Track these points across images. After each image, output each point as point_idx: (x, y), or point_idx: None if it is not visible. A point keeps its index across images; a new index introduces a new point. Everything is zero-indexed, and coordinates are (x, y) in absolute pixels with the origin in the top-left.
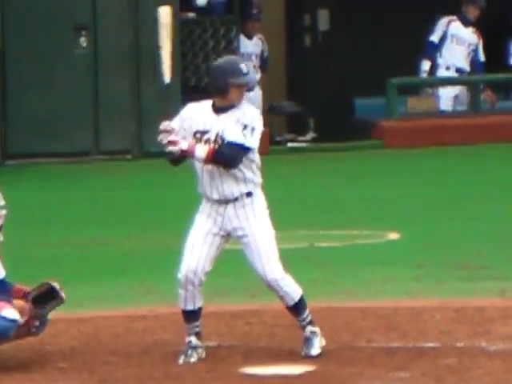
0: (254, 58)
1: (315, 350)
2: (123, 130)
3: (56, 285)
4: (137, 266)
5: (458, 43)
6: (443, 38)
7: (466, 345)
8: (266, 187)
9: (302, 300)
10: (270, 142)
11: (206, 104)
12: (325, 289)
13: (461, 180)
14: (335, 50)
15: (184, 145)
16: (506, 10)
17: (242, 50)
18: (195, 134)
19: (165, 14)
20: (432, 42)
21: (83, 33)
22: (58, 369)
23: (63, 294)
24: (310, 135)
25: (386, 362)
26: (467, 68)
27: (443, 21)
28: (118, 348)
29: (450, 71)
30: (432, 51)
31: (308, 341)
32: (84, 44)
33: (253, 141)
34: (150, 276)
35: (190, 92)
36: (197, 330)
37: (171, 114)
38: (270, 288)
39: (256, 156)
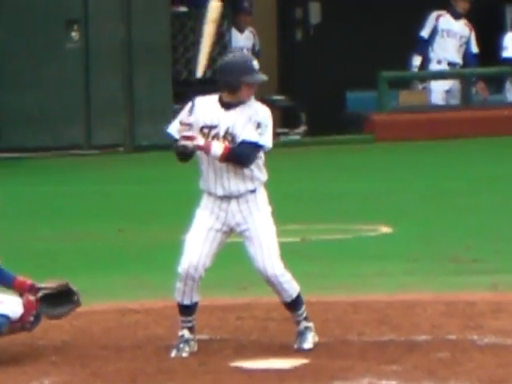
0: (245, 51)
1: (308, 344)
2: (115, 124)
3: (74, 288)
4: (129, 260)
5: (448, 36)
6: (433, 33)
7: (458, 338)
8: None
9: (299, 297)
10: None
11: (213, 98)
12: (317, 283)
13: (452, 174)
14: (327, 44)
15: (200, 141)
16: (498, 3)
17: (234, 43)
18: (202, 128)
19: (214, 8)
20: (422, 38)
21: (75, 27)
22: (49, 362)
23: (80, 299)
24: (302, 129)
25: (378, 355)
26: (459, 61)
27: (432, 15)
28: (109, 342)
29: (441, 65)
30: (422, 47)
31: (301, 335)
32: (76, 38)
33: (267, 139)
34: (142, 270)
35: (182, 85)
36: (190, 324)
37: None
38: (269, 283)
39: (261, 153)
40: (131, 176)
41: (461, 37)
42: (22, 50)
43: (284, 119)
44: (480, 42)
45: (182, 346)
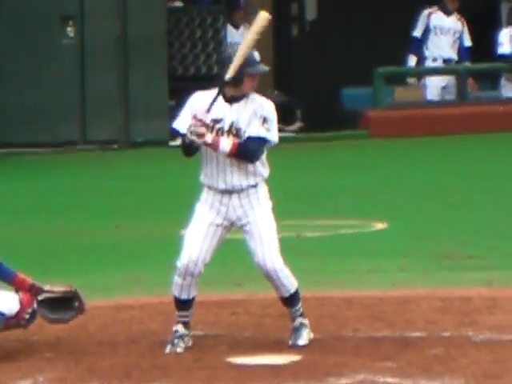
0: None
1: (302, 341)
2: (110, 120)
3: (81, 295)
4: (124, 256)
5: (442, 33)
6: (426, 31)
7: (453, 334)
8: None
9: (296, 293)
10: None
11: (214, 93)
12: (311, 279)
13: (447, 170)
14: (323, 40)
15: (208, 138)
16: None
17: (229, 39)
18: (206, 125)
19: (262, 19)
20: (415, 37)
21: (70, 23)
22: (44, 359)
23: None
24: (297, 125)
25: (372, 351)
26: (455, 57)
27: (424, 14)
28: (104, 338)
29: (437, 62)
30: (416, 46)
31: (297, 331)
32: (71, 34)
33: (274, 134)
34: (137, 266)
35: (177, 81)
36: (186, 319)
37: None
38: (269, 277)
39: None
40: (127, 172)
41: (454, 32)
42: (17, 47)
43: (279, 115)
44: (475, 38)
45: (176, 341)
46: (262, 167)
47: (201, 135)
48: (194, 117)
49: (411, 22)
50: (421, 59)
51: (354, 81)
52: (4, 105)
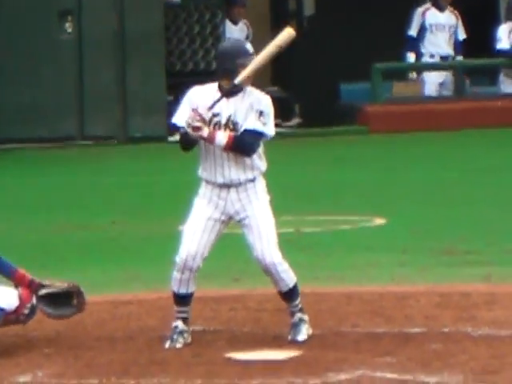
0: None
1: (302, 336)
2: (108, 116)
3: (82, 292)
4: (122, 252)
5: (437, 30)
6: (422, 30)
7: (452, 330)
8: None
9: (295, 287)
10: None
11: (212, 87)
12: (310, 274)
13: (446, 165)
14: (320, 35)
15: (205, 132)
16: None
17: (228, 35)
18: (204, 120)
19: (286, 36)
20: (411, 36)
21: (68, 18)
22: (43, 354)
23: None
24: (296, 121)
25: (372, 347)
26: (452, 53)
27: (418, 12)
28: (102, 333)
29: (434, 59)
30: (412, 45)
31: (296, 326)
32: (69, 29)
33: (271, 128)
34: (135, 262)
35: (175, 77)
36: (185, 315)
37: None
38: (267, 272)
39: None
40: (125, 168)
41: (449, 27)
42: (15, 43)
43: (277, 111)
44: (474, 33)
45: (175, 337)
46: (260, 161)
47: (197, 129)
48: (194, 110)
49: (410, 16)
50: (418, 57)
51: (352, 76)
52: (2, 100)
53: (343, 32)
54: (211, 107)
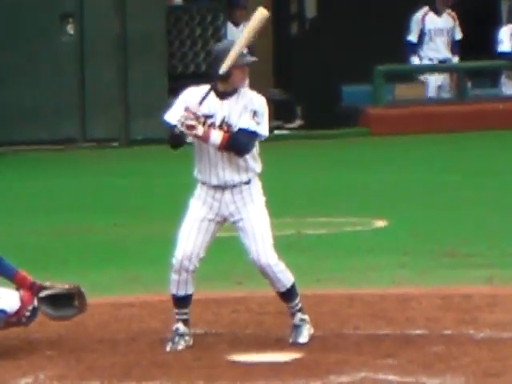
0: None
1: (303, 338)
2: (110, 118)
3: (83, 294)
4: (124, 254)
5: (436, 35)
6: (421, 35)
7: (454, 332)
8: None
9: (293, 287)
10: None
11: (206, 88)
12: (311, 276)
13: (448, 167)
14: (322, 37)
15: (199, 131)
16: None
17: (229, 37)
18: (198, 118)
19: (260, 16)
20: (410, 42)
21: (70, 20)
22: (45, 356)
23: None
24: (297, 122)
25: (373, 349)
26: (450, 56)
27: (417, 17)
28: (104, 336)
29: (432, 63)
30: (413, 50)
31: (297, 328)
32: (71, 32)
33: (265, 128)
34: (136, 264)
35: (177, 79)
36: (185, 316)
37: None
38: (264, 273)
39: (256, 142)
40: (126, 170)
41: (447, 31)
42: (16, 45)
43: (279, 113)
44: (476, 36)
45: (176, 339)
46: (254, 162)
47: (191, 127)
48: (186, 109)
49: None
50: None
51: (354, 78)
52: (3, 103)
53: (345, 34)
54: (201, 102)
